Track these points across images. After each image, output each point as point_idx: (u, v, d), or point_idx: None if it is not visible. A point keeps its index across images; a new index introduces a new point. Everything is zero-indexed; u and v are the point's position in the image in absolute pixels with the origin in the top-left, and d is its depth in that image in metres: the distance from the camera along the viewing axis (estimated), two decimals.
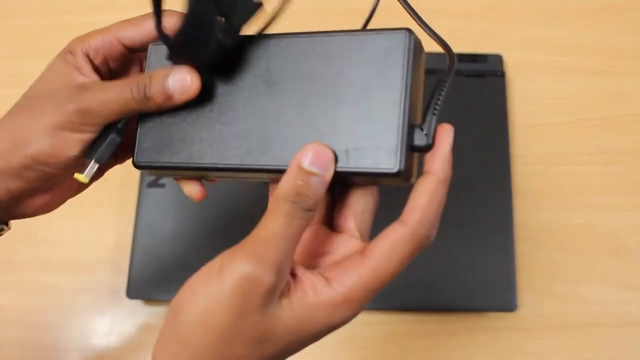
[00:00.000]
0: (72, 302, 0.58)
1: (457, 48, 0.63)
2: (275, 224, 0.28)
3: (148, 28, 0.35)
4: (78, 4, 0.70)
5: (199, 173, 0.35)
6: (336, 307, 0.28)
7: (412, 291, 0.56)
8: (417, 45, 0.30)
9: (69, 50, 0.35)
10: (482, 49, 0.64)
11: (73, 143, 0.33)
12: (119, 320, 0.57)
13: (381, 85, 0.30)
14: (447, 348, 0.56)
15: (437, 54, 0.33)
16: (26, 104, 0.34)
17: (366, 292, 0.29)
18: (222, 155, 0.32)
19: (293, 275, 0.30)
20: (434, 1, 0.66)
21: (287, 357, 0.30)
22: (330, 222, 0.34)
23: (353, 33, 0.31)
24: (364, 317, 0.57)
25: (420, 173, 0.30)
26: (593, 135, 0.63)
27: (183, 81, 0.32)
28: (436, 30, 0.30)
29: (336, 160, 0.30)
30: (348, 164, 0.30)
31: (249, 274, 0.27)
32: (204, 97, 0.33)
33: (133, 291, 0.56)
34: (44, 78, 0.35)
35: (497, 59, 0.63)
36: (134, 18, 0.36)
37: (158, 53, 0.34)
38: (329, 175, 0.29)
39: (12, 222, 0.38)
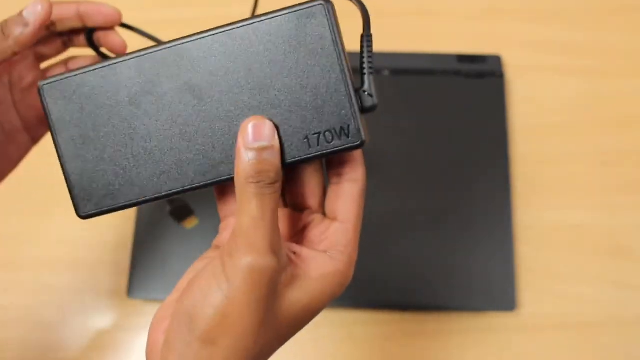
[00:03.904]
0: (73, 301, 0.58)
1: (456, 48, 0.64)
2: (250, 209, 0.28)
3: None
4: None
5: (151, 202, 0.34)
6: (341, 274, 0.31)
7: (411, 290, 0.56)
8: (334, 11, 0.29)
9: None
10: (481, 50, 0.64)
11: None
12: (120, 319, 0.57)
13: (316, 64, 0.29)
14: (446, 347, 0.56)
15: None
16: None
17: (355, 250, 0.32)
18: (170, 182, 0.31)
19: (296, 253, 0.31)
20: (433, 1, 0.67)
21: (298, 330, 0.31)
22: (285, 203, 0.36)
23: (269, 16, 0.29)
24: (363, 317, 0.57)
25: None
26: (592, 135, 0.63)
27: (34, 6, 0.34)
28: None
29: (277, 129, 0.29)
30: (310, 150, 0.30)
31: (253, 265, 0.28)
32: (133, 127, 0.31)
33: (134, 291, 0.56)
34: None
35: (496, 60, 0.63)
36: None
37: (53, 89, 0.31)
38: (276, 143, 0.29)
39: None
